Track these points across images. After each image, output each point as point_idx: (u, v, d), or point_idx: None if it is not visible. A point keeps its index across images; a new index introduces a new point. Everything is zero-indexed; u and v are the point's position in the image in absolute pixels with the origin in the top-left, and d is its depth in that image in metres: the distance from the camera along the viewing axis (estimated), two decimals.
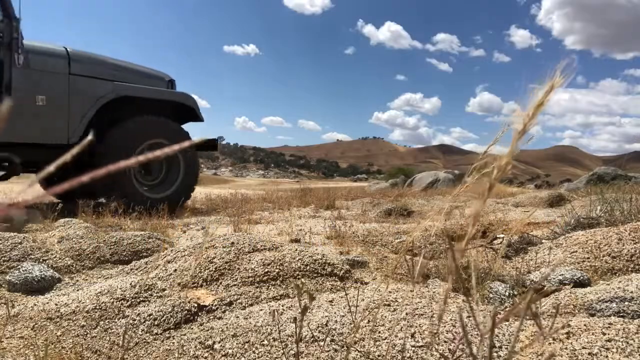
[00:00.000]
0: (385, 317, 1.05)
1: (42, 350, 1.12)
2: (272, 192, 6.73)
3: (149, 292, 1.43)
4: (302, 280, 1.52)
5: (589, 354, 0.83)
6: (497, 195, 5.56)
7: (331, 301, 1.22)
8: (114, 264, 2.03)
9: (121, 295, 1.39)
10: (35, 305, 1.36)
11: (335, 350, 0.96)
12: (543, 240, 2.09)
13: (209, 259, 1.61)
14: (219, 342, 1.08)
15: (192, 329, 1.26)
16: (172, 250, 1.86)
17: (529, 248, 1.99)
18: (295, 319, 1.10)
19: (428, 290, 1.31)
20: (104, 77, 4.03)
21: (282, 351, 0.98)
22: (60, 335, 1.22)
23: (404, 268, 1.80)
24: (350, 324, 1.03)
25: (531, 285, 1.39)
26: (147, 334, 1.23)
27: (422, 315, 1.05)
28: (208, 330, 1.18)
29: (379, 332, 0.99)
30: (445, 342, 0.92)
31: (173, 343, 1.17)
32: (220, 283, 1.50)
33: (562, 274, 1.44)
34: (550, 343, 0.90)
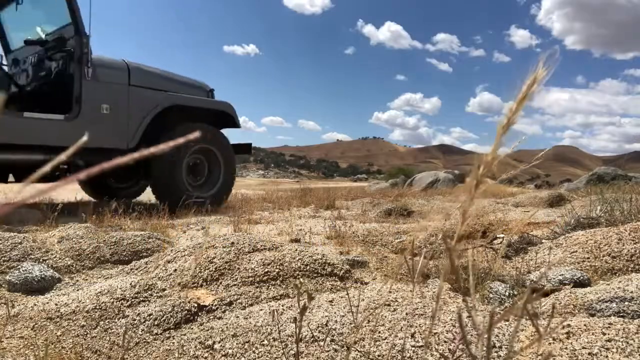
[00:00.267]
0: (385, 317, 1.05)
1: (42, 350, 1.12)
2: (272, 192, 6.74)
3: (149, 292, 1.43)
4: (302, 280, 1.52)
5: (589, 354, 0.83)
6: (497, 195, 5.56)
7: (331, 301, 1.22)
8: (114, 264, 2.03)
9: (121, 295, 1.39)
10: (35, 305, 1.36)
11: (335, 350, 0.96)
12: (543, 240, 2.09)
13: (209, 258, 1.61)
14: (219, 342, 1.08)
15: (192, 329, 1.26)
16: (172, 250, 1.86)
17: (529, 248, 1.99)
18: (295, 319, 1.10)
19: (428, 290, 1.31)
20: (157, 88, 4.42)
21: (282, 351, 0.99)
22: (60, 335, 1.22)
23: (404, 268, 1.80)
24: (350, 324, 1.03)
25: (531, 285, 1.39)
26: (147, 334, 1.23)
27: (422, 315, 1.05)
28: (208, 330, 1.18)
29: (379, 332, 0.99)
30: (445, 342, 0.92)
31: (173, 343, 1.17)
32: (220, 283, 1.50)
33: (562, 274, 1.44)
34: (550, 343, 0.90)
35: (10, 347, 1.14)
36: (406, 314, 1.06)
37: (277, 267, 1.55)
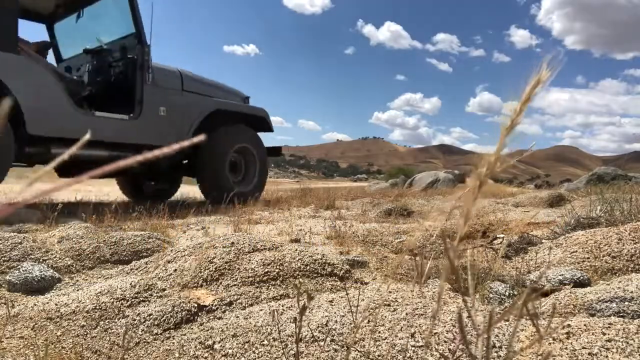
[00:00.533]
0: (385, 317, 1.05)
1: (42, 350, 1.12)
2: (272, 192, 6.73)
3: (149, 292, 1.43)
4: (302, 280, 1.52)
5: (589, 354, 0.83)
6: (497, 195, 5.56)
7: (331, 301, 1.22)
8: (114, 264, 2.03)
9: (121, 295, 1.39)
10: (35, 305, 1.36)
11: (335, 350, 0.96)
12: (543, 240, 2.09)
13: (209, 259, 1.61)
14: (219, 342, 1.08)
15: (192, 329, 1.26)
16: (172, 250, 1.86)
17: (529, 248, 1.99)
18: (295, 319, 1.10)
19: (428, 290, 1.32)
20: (205, 94, 4.94)
21: (282, 351, 0.99)
22: (60, 335, 1.22)
23: (404, 268, 1.80)
24: (350, 324, 1.03)
25: (530, 285, 1.39)
26: (147, 334, 1.23)
27: (422, 315, 1.05)
28: (208, 330, 1.18)
29: (379, 332, 0.99)
30: (445, 342, 0.92)
31: (173, 343, 1.17)
32: (220, 283, 1.50)
33: (562, 274, 1.44)
34: (550, 343, 0.90)
35: (10, 347, 1.14)
36: (406, 314, 1.06)
37: (277, 267, 1.55)
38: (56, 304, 1.35)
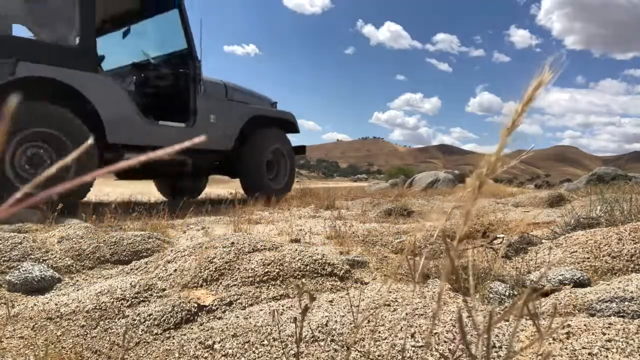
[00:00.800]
0: (385, 317, 1.05)
1: (42, 350, 1.12)
2: None
3: (149, 292, 1.43)
4: (303, 280, 1.52)
5: (589, 354, 0.83)
6: (497, 195, 5.55)
7: (331, 301, 1.22)
8: (114, 264, 2.03)
9: (121, 295, 1.39)
10: (35, 305, 1.36)
11: (336, 350, 0.96)
12: (543, 240, 2.09)
13: (209, 259, 1.61)
14: (219, 342, 1.08)
15: (192, 329, 1.26)
16: (172, 250, 1.86)
17: (529, 248, 1.99)
18: (295, 319, 1.10)
19: (428, 290, 1.32)
20: (244, 101, 5.50)
21: (282, 351, 0.99)
22: (60, 335, 1.22)
23: (404, 268, 1.80)
24: (351, 324, 1.03)
25: (531, 285, 1.39)
26: (147, 334, 1.23)
27: (422, 315, 1.05)
28: (208, 330, 1.18)
29: (379, 332, 0.99)
30: (445, 342, 0.92)
31: (173, 343, 1.17)
32: (220, 283, 1.50)
33: (562, 274, 1.44)
34: (550, 343, 0.90)
35: (10, 347, 1.14)
36: (406, 314, 1.06)
37: (277, 267, 1.55)
38: (56, 304, 1.35)
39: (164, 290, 1.48)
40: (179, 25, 4.82)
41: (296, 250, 1.69)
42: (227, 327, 1.15)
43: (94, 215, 2.94)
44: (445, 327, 0.97)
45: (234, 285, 1.48)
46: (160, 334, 1.24)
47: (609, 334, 0.88)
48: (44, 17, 4.28)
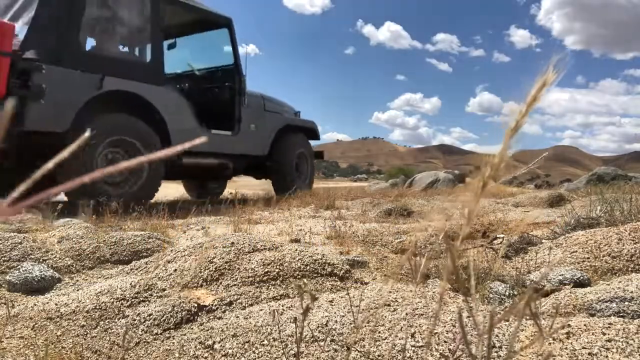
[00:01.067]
0: (386, 317, 1.05)
1: (42, 350, 1.12)
2: (272, 191, 6.74)
3: (149, 292, 1.44)
4: (304, 280, 1.52)
5: (589, 354, 0.83)
6: (497, 195, 5.55)
7: (331, 301, 1.22)
8: (114, 264, 2.03)
9: (121, 295, 1.39)
10: (35, 305, 1.36)
11: (336, 350, 0.96)
12: (543, 240, 2.09)
13: (209, 258, 1.61)
14: (219, 342, 1.08)
15: (192, 329, 1.26)
16: (172, 250, 1.86)
17: (529, 248, 1.99)
18: (295, 319, 1.10)
19: (428, 290, 1.32)
20: (277, 112, 6.17)
21: (282, 351, 0.99)
22: (60, 335, 1.22)
23: (404, 268, 1.80)
24: (351, 324, 1.03)
25: (531, 285, 1.39)
26: (147, 334, 1.23)
27: (422, 315, 1.05)
28: (208, 330, 1.18)
29: (379, 332, 0.99)
30: (445, 342, 0.92)
31: (173, 343, 1.17)
32: (220, 283, 1.50)
33: (562, 274, 1.44)
34: (550, 343, 0.90)
35: (10, 347, 1.14)
36: (406, 314, 1.06)
37: (277, 267, 1.55)
38: (56, 304, 1.35)
39: (164, 290, 1.48)
40: (226, 42, 5.50)
41: (296, 250, 1.69)
42: (227, 327, 1.15)
43: (94, 215, 2.94)
44: (445, 327, 0.97)
45: (234, 285, 1.48)
46: (160, 334, 1.24)
47: (609, 334, 0.88)
48: (114, 33, 4.63)
